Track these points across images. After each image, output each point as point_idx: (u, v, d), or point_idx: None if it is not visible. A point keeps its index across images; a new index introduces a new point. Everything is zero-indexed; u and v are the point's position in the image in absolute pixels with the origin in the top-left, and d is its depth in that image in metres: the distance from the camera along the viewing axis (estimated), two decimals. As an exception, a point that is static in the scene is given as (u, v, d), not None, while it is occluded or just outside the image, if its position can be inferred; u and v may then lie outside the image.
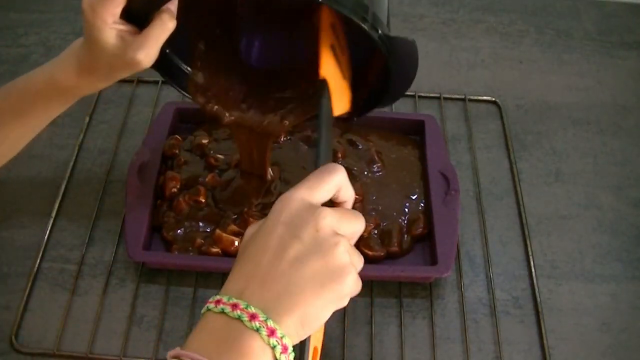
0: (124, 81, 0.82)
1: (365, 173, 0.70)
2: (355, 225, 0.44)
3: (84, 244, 0.67)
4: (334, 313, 0.64)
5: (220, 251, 0.63)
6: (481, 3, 0.96)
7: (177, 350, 0.39)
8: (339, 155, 0.71)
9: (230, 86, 0.63)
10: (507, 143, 0.77)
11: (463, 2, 0.96)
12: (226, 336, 0.38)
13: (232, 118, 0.62)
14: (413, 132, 0.75)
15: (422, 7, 0.95)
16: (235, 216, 0.66)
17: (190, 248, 0.64)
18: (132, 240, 0.63)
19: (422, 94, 0.82)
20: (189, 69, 0.63)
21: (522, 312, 0.64)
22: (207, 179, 0.69)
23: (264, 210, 0.66)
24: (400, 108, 0.80)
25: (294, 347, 0.39)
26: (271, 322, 0.38)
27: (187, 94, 0.63)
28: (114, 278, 0.65)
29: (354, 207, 0.66)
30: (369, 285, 0.65)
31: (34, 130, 0.60)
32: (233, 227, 0.64)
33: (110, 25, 0.50)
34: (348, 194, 0.45)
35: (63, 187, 0.72)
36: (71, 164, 0.74)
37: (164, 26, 0.51)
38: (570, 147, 0.78)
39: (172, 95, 0.81)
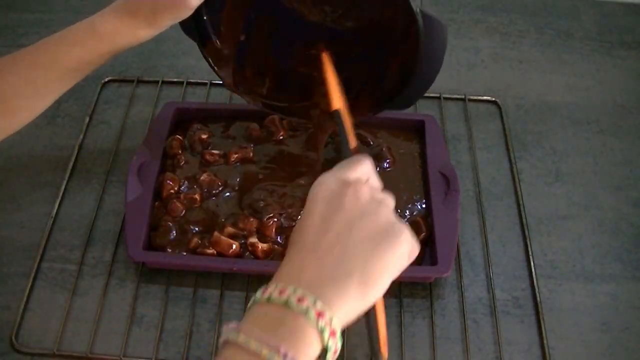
0: (123, 81, 0.83)
1: (377, 169, 0.70)
2: (388, 197, 0.44)
3: (84, 244, 0.67)
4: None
5: (215, 253, 0.63)
6: (481, 3, 0.96)
7: (232, 331, 0.37)
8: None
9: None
10: (507, 143, 0.77)
11: (463, 2, 0.96)
12: (272, 320, 0.36)
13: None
14: (413, 132, 0.75)
15: (422, 7, 0.95)
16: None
17: (184, 252, 0.64)
18: (132, 240, 0.63)
19: (422, 94, 0.82)
20: (219, 42, 0.63)
21: (522, 312, 0.64)
22: (201, 178, 0.69)
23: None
24: (400, 108, 0.80)
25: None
26: (320, 304, 0.36)
27: (212, 64, 0.65)
28: (114, 278, 0.65)
29: None
30: (369, 285, 0.65)
31: (66, 84, 0.58)
32: (229, 229, 0.64)
33: None
34: (376, 182, 0.45)
35: (63, 186, 0.72)
36: (71, 164, 0.74)
37: None
38: (570, 147, 0.78)
39: (172, 95, 0.81)
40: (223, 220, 0.65)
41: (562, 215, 0.71)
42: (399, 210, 0.67)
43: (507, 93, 0.83)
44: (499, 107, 0.81)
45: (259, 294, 0.38)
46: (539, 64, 0.87)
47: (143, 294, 0.64)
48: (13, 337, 0.60)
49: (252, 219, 0.65)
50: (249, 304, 0.39)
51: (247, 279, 0.65)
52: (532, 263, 0.67)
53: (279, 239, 0.64)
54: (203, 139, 0.72)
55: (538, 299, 0.64)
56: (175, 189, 0.68)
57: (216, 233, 0.63)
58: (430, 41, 0.55)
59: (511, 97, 0.83)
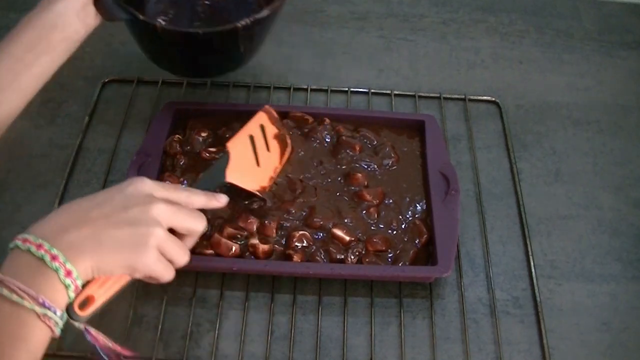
0: (123, 81, 0.83)
1: (382, 169, 0.70)
2: (190, 223, 0.51)
3: (84, 244, 0.67)
4: (333, 313, 0.64)
5: (214, 253, 0.63)
6: (481, 3, 0.96)
7: None
8: (356, 149, 0.71)
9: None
10: (507, 143, 0.77)
11: (463, 2, 0.96)
12: (30, 272, 0.43)
13: None
14: (415, 131, 0.75)
15: (422, 7, 0.95)
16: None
17: None
18: (132, 240, 0.62)
19: (422, 94, 0.82)
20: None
21: (522, 312, 0.64)
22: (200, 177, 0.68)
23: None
24: (401, 108, 0.80)
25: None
26: (69, 265, 0.44)
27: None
28: (114, 278, 0.65)
29: (370, 209, 0.66)
30: (369, 285, 0.65)
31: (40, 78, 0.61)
32: (229, 230, 0.64)
33: None
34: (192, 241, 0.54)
35: (63, 187, 0.72)
36: (71, 164, 0.74)
37: None
38: (570, 147, 0.78)
39: (172, 95, 0.81)
40: (222, 220, 0.65)
41: (562, 215, 0.71)
42: (401, 216, 0.67)
43: (507, 93, 0.83)
44: (499, 107, 0.81)
45: (20, 243, 0.44)
46: (539, 64, 0.88)
47: (143, 294, 0.64)
48: (13, 337, 0.60)
49: (252, 219, 0.65)
50: (10, 245, 0.45)
51: (247, 279, 0.65)
52: (532, 263, 0.67)
53: (279, 239, 0.64)
54: (202, 137, 0.72)
55: (538, 299, 0.64)
56: (175, 189, 0.68)
57: (216, 235, 0.63)
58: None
59: (511, 97, 0.83)
